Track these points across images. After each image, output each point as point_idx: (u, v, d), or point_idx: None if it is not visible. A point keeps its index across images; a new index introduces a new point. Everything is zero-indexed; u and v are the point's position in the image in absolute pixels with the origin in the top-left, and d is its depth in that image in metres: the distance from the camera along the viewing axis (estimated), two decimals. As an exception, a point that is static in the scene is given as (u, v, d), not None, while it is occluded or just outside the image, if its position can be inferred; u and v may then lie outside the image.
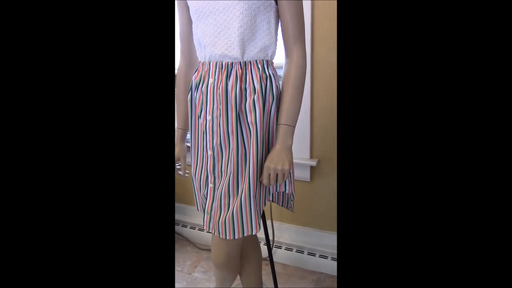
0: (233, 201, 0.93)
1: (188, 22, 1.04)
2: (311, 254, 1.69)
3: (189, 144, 1.37)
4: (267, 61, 0.93)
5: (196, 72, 0.99)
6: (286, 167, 0.89)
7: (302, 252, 1.70)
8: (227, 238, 0.94)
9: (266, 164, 0.90)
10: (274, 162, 0.89)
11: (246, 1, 0.85)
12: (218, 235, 0.96)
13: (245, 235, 0.93)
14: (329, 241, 1.67)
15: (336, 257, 1.66)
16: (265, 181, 0.91)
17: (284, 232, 1.77)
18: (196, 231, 1.93)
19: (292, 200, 1.05)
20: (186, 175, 1.13)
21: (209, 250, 1.85)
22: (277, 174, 0.90)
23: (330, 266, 1.64)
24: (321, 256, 1.67)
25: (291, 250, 1.72)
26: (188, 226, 1.96)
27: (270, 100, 0.91)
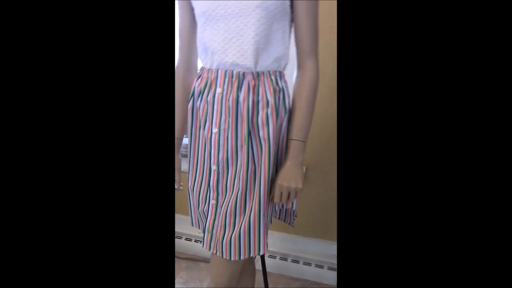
0: (240, 220, 0.88)
1: (190, 23, 0.95)
2: (295, 261, 1.67)
3: (183, 153, 1.28)
4: (280, 72, 0.87)
5: (200, 79, 0.91)
6: (299, 185, 0.85)
7: (285, 259, 1.68)
8: (232, 258, 0.88)
9: (278, 182, 0.85)
10: (287, 180, 0.84)
11: (264, 7, 0.79)
12: (221, 255, 0.90)
13: (251, 255, 0.88)
14: (313, 248, 1.66)
15: (320, 264, 1.65)
16: (276, 200, 0.86)
17: (268, 239, 1.74)
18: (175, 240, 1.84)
19: (295, 216, 1.01)
20: (180, 187, 1.05)
21: (189, 259, 1.77)
22: (289, 192, 0.85)
23: (314, 273, 1.64)
24: (305, 263, 1.65)
25: (274, 257, 1.69)
26: (164, 232, 1.86)
27: (283, 114, 0.86)
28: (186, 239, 1.84)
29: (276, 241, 1.72)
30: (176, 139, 1.02)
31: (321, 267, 1.64)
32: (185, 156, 1.59)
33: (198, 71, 0.95)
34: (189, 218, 1.04)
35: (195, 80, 0.94)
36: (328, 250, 1.64)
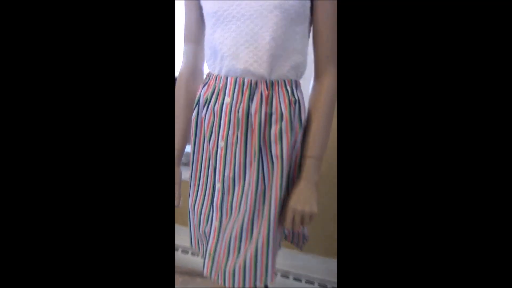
0: (246, 245, 0.78)
1: (198, 23, 0.86)
2: (297, 279, 1.57)
3: (184, 161, 1.18)
4: (295, 81, 0.79)
5: (206, 86, 0.82)
6: (315, 209, 0.75)
7: (287, 277, 1.58)
8: (235, 287, 0.79)
9: (292, 205, 0.76)
10: (302, 203, 0.75)
11: (283, 9, 0.70)
12: (223, 283, 0.80)
13: (257, 285, 0.79)
14: (316, 265, 1.57)
15: (323, 283, 1.56)
16: (288, 225, 0.77)
17: (268, 254, 1.64)
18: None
19: (306, 240, 0.92)
20: (179, 205, 0.96)
21: (185, 273, 1.67)
22: (302, 217, 0.76)
23: (317, 293, 1.54)
24: (307, 282, 1.56)
25: (275, 274, 1.60)
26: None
27: (298, 129, 0.77)
28: (183, 251, 1.74)
29: (277, 256, 1.62)
30: (176, 150, 0.93)
31: (325, 286, 1.55)
32: (186, 164, 1.50)
33: (205, 77, 0.86)
34: (187, 228, 0.94)
35: (200, 87, 0.85)
36: (332, 268, 1.55)
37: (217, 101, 0.79)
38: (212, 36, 0.78)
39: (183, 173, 1.26)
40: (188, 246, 1.72)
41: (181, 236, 1.78)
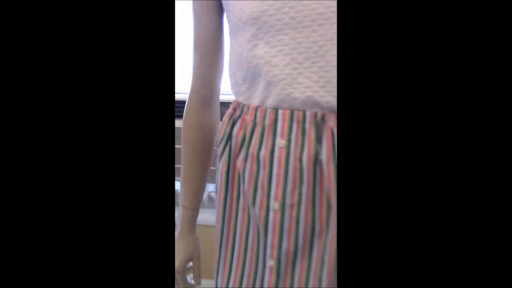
0: None
1: (216, 33, 0.62)
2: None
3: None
4: None
5: (239, 121, 0.58)
6: None
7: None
8: None
9: None
10: None
11: None
12: None
13: None
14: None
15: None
16: None
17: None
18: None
19: None
20: (200, 286, 0.70)
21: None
22: None
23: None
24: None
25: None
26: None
27: None
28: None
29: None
30: (190, 210, 0.67)
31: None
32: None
33: (230, 108, 0.62)
34: (213, 283, 0.67)
35: (226, 120, 0.60)
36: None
37: (263, 144, 0.55)
38: (250, 53, 0.54)
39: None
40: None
41: None
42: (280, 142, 0.53)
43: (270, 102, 0.54)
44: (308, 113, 0.52)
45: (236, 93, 0.61)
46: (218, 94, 0.67)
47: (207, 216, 1.19)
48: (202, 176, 0.67)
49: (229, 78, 0.62)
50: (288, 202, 0.54)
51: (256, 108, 0.56)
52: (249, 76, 0.56)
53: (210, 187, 1.64)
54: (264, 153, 0.54)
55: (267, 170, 0.54)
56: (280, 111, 0.53)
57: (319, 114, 0.52)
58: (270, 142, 0.54)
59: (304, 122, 0.52)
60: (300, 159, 0.52)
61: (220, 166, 0.60)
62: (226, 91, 0.66)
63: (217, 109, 0.68)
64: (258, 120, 0.56)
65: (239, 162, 0.57)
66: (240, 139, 0.57)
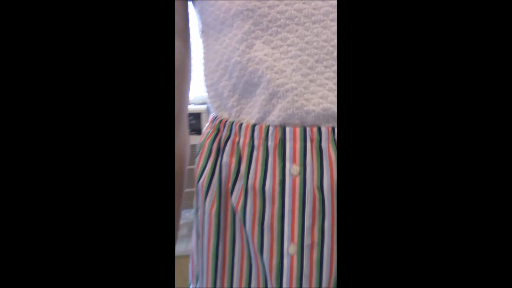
0: None
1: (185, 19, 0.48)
2: None
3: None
4: None
5: (228, 144, 0.45)
6: None
7: None
8: None
9: None
10: None
11: None
12: None
13: None
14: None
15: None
16: None
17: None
18: None
19: None
20: None
21: None
22: None
23: None
24: None
25: None
26: None
27: None
28: None
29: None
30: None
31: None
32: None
33: (212, 128, 0.48)
34: None
35: (207, 148, 0.47)
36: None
37: (269, 174, 0.42)
38: (244, 56, 0.41)
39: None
40: None
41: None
42: (293, 168, 0.42)
43: (273, 119, 0.42)
44: (324, 129, 0.42)
45: (217, 108, 0.47)
46: (190, 67, 0.52)
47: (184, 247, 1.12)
48: (176, 207, 0.52)
49: (205, 88, 0.49)
50: (307, 241, 0.42)
51: (253, 127, 0.43)
52: (242, 86, 0.43)
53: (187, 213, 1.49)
54: (270, 184, 0.42)
55: (277, 206, 0.42)
56: (288, 129, 0.42)
57: (337, 129, 0.42)
58: (278, 170, 0.42)
59: (320, 140, 0.42)
60: (320, 187, 0.42)
61: (207, 206, 0.46)
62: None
63: (189, 79, 0.52)
64: (257, 142, 0.43)
65: (235, 198, 0.44)
66: (233, 168, 0.44)
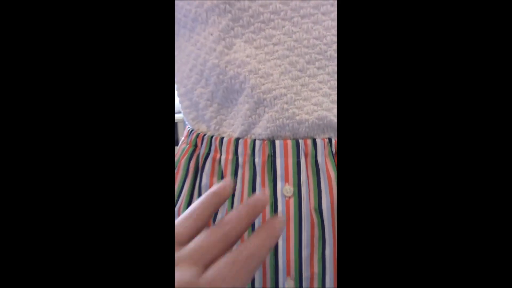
0: None
1: None
2: None
3: None
4: None
5: (208, 162, 0.38)
6: None
7: None
8: None
9: None
10: None
11: None
12: None
13: None
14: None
15: None
16: None
17: None
18: None
19: None
20: None
21: None
22: None
23: None
24: None
25: None
26: None
27: None
28: None
29: None
30: None
31: None
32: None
33: (182, 142, 0.41)
34: None
35: (184, 167, 0.40)
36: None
37: (261, 189, 0.36)
38: (223, 58, 0.35)
39: None
40: None
41: None
42: (285, 189, 0.36)
43: (259, 131, 0.36)
44: (319, 141, 0.36)
45: (193, 120, 0.40)
46: None
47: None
48: None
49: (178, 97, 0.42)
50: (306, 274, 0.36)
51: (236, 141, 0.37)
52: (221, 93, 0.37)
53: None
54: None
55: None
56: (278, 143, 0.36)
57: (334, 141, 0.36)
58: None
59: (315, 154, 0.36)
60: (319, 210, 0.35)
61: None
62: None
63: None
64: (241, 159, 0.37)
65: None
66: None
